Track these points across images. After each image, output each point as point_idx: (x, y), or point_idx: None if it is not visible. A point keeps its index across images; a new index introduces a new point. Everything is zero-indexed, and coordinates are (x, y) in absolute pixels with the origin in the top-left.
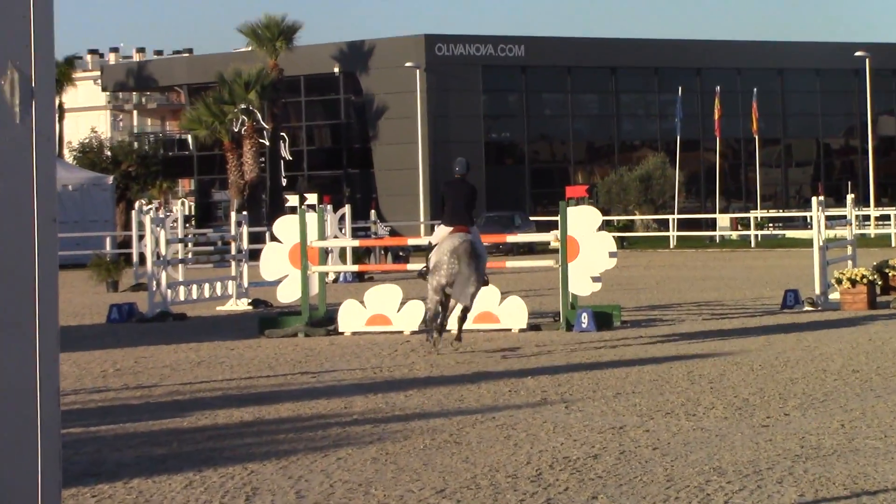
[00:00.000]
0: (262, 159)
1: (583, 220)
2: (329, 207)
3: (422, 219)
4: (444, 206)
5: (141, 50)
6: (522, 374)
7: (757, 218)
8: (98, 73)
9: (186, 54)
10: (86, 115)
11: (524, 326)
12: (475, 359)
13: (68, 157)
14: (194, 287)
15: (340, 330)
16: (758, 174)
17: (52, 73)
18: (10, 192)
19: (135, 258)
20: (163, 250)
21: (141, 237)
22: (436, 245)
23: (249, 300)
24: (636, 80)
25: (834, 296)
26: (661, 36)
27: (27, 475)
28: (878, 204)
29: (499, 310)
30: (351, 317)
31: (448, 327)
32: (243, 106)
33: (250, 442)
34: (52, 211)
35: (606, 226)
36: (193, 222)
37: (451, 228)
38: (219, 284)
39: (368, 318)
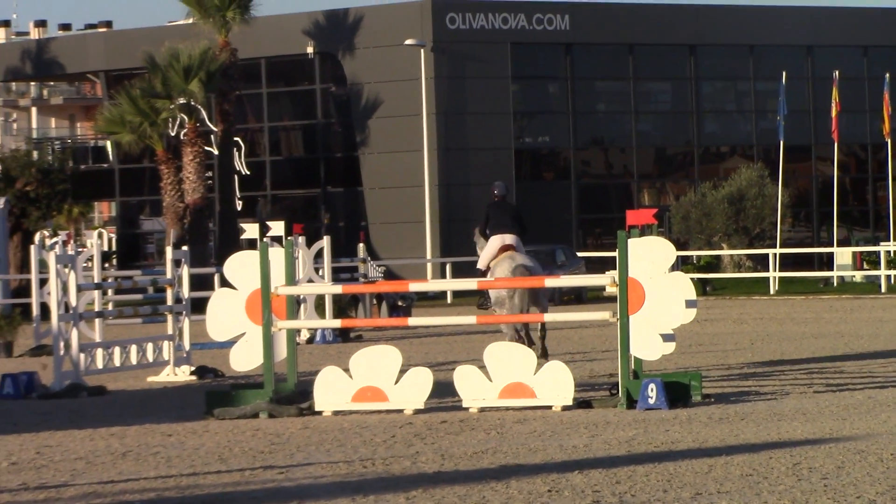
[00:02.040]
0: (210, 174)
1: (650, 256)
2: (301, 240)
3: (429, 255)
4: (486, 226)
5: (41, 24)
6: (567, 468)
7: (889, 253)
8: None
9: (104, 29)
10: None
11: (569, 402)
12: (502, 445)
13: None
14: (116, 350)
15: (318, 408)
16: (890, 193)
17: None
18: None
19: (35, 310)
20: (73, 300)
21: (43, 282)
22: (487, 271)
23: (192, 368)
24: (723, 63)
25: None
26: (756, 1)
27: None
28: None
29: (535, 380)
30: (332, 390)
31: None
32: (182, 101)
33: None
34: None
35: (682, 264)
36: (115, 261)
37: (497, 241)
38: (150, 346)
39: (356, 391)
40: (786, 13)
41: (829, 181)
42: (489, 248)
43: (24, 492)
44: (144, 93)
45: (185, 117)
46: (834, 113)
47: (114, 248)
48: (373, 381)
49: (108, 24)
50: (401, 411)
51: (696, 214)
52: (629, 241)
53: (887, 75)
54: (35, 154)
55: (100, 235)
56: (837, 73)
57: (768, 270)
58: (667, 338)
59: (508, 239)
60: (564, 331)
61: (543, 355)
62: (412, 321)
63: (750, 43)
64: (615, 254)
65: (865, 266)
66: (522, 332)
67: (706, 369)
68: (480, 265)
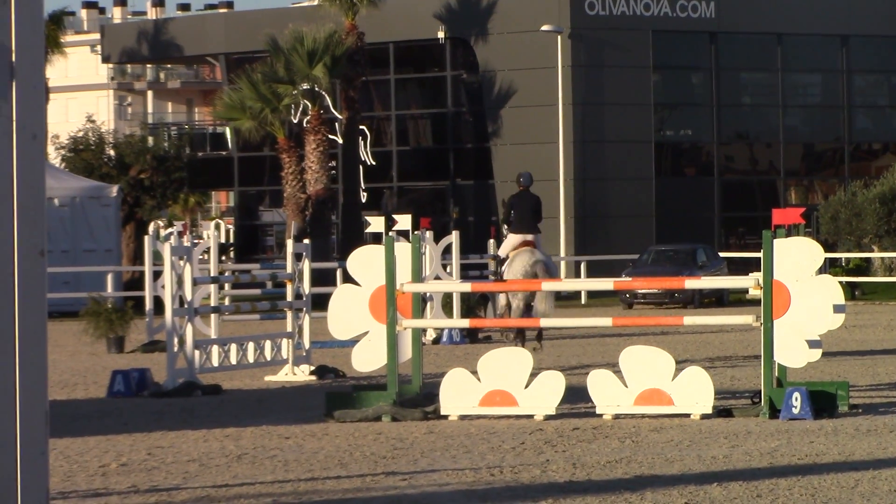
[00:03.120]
0: (333, 164)
1: (796, 258)
2: (429, 235)
3: (562, 252)
4: (510, 216)
5: (159, 3)
6: (705, 480)
7: None
8: (97, 35)
9: (224, 10)
10: (79, 96)
11: (709, 411)
12: (636, 455)
13: (53, 156)
14: (233, 347)
15: (443, 412)
16: None
17: (42, 41)
18: None
19: (148, 304)
20: (188, 294)
21: (157, 275)
22: (506, 260)
23: (312, 367)
24: (877, 55)
25: None
26: None
27: None
28: None
29: (672, 386)
30: (459, 393)
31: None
32: (306, 86)
33: None
34: (38, 240)
35: (830, 266)
36: (232, 254)
37: (519, 238)
38: (268, 344)
39: (484, 395)
40: None
41: None
42: (511, 241)
43: (134, 494)
44: (266, 77)
45: (309, 104)
46: None
47: (231, 240)
48: (502, 384)
49: (229, 4)
50: (531, 417)
51: (845, 214)
52: (775, 241)
53: None
54: (150, 140)
55: (217, 226)
56: None
57: None
58: (813, 344)
59: (529, 237)
60: (705, 335)
61: (538, 338)
62: (544, 322)
63: None
64: (759, 255)
65: None
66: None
67: (854, 378)
68: (501, 253)
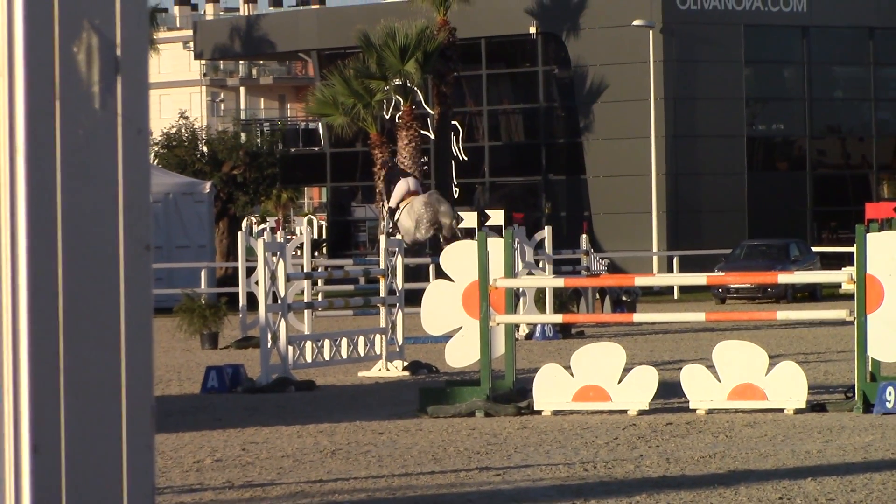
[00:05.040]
0: (425, 159)
1: (890, 252)
2: (521, 230)
3: (655, 247)
4: (390, 188)
5: (251, 0)
6: (799, 475)
7: None
8: (189, 32)
9: (316, 6)
10: (172, 92)
11: (802, 405)
12: (730, 450)
13: None
14: (326, 343)
15: (536, 407)
16: None
17: (146, 34)
18: (86, 206)
19: (241, 301)
20: (281, 290)
21: (250, 271)
22: (397, 209)
23: (405, 363)
24: None
25: None
26: None
27: None
28: None
29: (766, 381)
30: (552, 389)
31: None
32: (398, 82)
33: None
34: (144, 234)
35: None
36: (325, 250)
37: (404, 187)
38: (361, 340)
39: (577, 390)
40: None
41: None
42: (398, 191)
43: (229, 490)
44: (358, 73)
45: (401, 99)
46: None
47: (324, 235)
48: (595, 379)
49: (321, 0)
50: (624, 412)
51: None
52: (868, 235)
53: None
54: (243, 136)
55: (309, 222)
56: None
57: None
58: None
59: (412, 182)
60: (798, 330)
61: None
62: (637, 317)
63: None
64: (852, 249)
65: None
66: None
67: None
68: (392, 203)
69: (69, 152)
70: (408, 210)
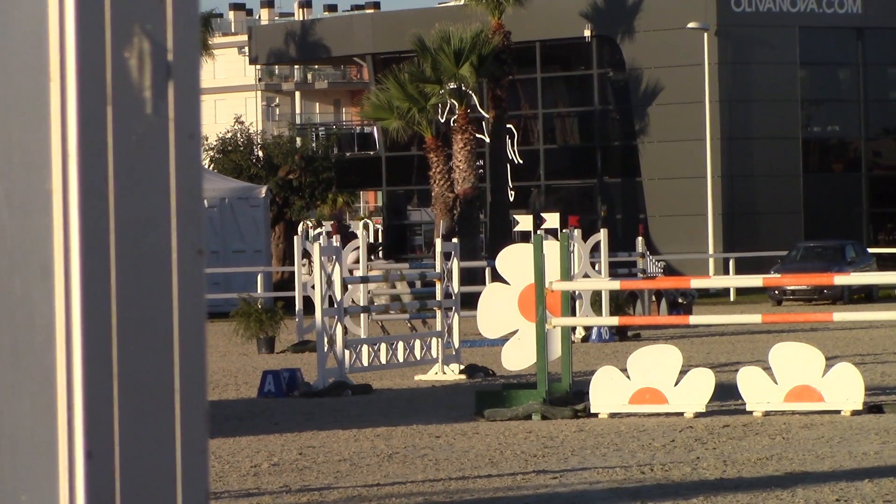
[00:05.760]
0: (480, 163)
1: None
2: (577, 233)
3: (710, 249)
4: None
5: (306, 5)
6: (856, 476)
7: None
8: (244, 37)
9: (371, 11)
10: (227, 97)
11: (859, 407)
12: (787, 451)
13: (202, 158)
14: (383, 347)
15: (593, 410)
16: None
17: (197, 39)
18: (139, 211)
19: (297, 305)
20: (337, 294)
21: (307, 275)
22: None
23: (461, 366)
24: None
25: None
26: None
27: None
28: None
29: (822, 383)
30: (608, 391)
31: None
32: (453, 86)
33: None
34: (196, 239)
35: None
36: (381, 253)
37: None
38: (418, 343)
39: (633, 393)
40: None
41: None
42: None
43: (286, 494)
44: (413, 77)
45: (456, 103)
46: None
47: (380, 239)
48: (651, 382)
49: (376, 5)
50: (681, 414)
51: None
52: None
53: None
54: (298, 140)
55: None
56: None
57: None
58: None
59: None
60: (854, 331)
61: None
62: (693, 319)
63: None
64: None
65: None
66: None
67: None
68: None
69: (121, 157)
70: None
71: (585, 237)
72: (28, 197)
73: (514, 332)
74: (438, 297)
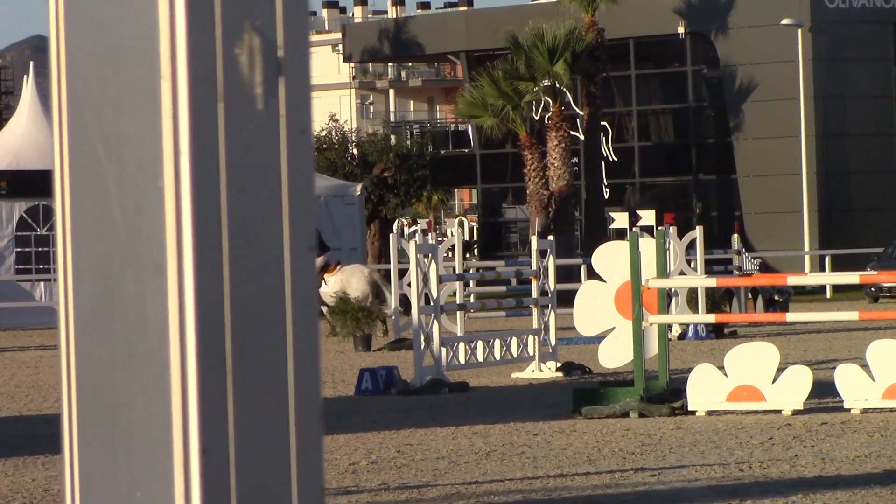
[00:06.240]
0: (575, 160)
1: None
2: (672, 230)
3: (806, 246)
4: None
5: (399, 2)
6: None
7: None
8: (338, 35)
9: (464, 8)
10: (321, 95)
11: None
12: (885, 449)
13: None
14: (479, 344)
15: (690, 408)
16: None
17: (307, 35)
18: (251, 208)
19: (394, 303)
20: (433, 292)
21: (402, 272)
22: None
23: (558, 364)
24: None
25: None
26: None
27: None
28: None
29: None
30: (705, 389)
31: None
32: (547, 83)
33: None
34: (308, 235)
35: None
36: (476, 251)
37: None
38: (514, 341)
39: (731, 390)
40: None
41: None
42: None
43: (385, 492)
44: (507, 74)
45: (550, 100)
46: None
47: (475, 237)
48: (749, 379)
49: (469, 2)
50: (778, 412)
51: None
52: None
53: None
54: (393, 138)
55: (460, 224)
56: None
57: None
58: None
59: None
60: None
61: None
62: (790, 316)
63: None
64: None
65: None
66: None
67: None
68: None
69: (233, 154)
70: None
71: (681, 234)
72: (140, 194)
73: (611, 330)
74: (534, 294)
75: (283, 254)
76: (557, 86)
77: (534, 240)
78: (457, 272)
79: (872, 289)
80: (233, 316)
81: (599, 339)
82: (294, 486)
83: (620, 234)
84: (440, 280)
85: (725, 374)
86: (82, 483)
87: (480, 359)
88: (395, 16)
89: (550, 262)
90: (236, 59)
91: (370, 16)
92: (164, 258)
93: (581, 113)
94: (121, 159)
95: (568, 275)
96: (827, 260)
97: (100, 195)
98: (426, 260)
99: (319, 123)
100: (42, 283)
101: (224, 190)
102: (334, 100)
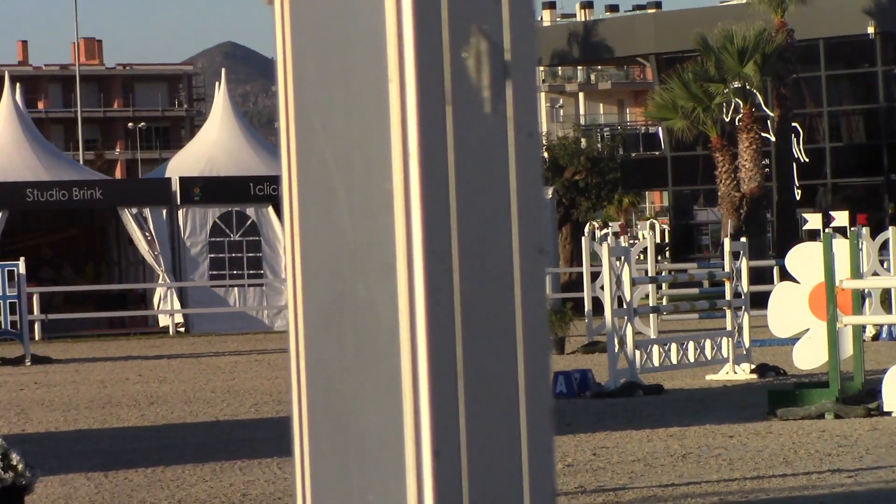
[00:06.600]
0: (766, 162)
1: None
2: (865, 231)
3: None
4: None
5: (587, 5)
6: None
7: None
8: None
9: (652, 11)
10: None
11: None
12: None
13: None
14: (673, 347)
15: (886, 409)
16: None
17: (534, 38)
18: (480, 210)
19: (587, 305)
20: (627, 294)
21: (595, 275)
22: None
23: (753, 366)
24: None
25: None
26: None
27: None
28: None
29: None
30: None
31: None
32: (737, 84)
33: None
34: (538, 237)
35: None
36: (668, 253)
37: None
38: (708, 343)
39: None
40: None
41: None
42: None
43: (581, 495)
44: (697, 76)
45: (740, 102)
46: None
47: (666, 239)
48: None
49: (657, 4)
50: None
51: None
52: None
53: None
54: (584, 142)
55: (652, 227)
56: None
57: None
58: None
59: None
60: None
61: None
62: None
63: None
64: None
65: None
66: None
67: None
68: None
69: (462, 157)
70: None
71: (873, 235)
72: (369, 197)
73: (805, 331)
74: (728, 296)
75: (513, 256)
76: (748, 87)
77: (726, 242)
78: (649, 275)
79: None
80: (463, 319)
81: (793, 340)
82: (526, 488)
83: (813, 236)
84: (633, 283)
85: None
86: (314, 486)
87: (674, 361)
88: (583, 19)
89: (743, 264)
90: (463, 62)
91: (559, 19)
92: (393, 262)
93: (772, 114)
94: (349, 163)
95: (760, 277)
96: None
97: (328, 200)
98: (619, 263)
99: None
100: (235, 288)
101: (453, 193)
102: None
